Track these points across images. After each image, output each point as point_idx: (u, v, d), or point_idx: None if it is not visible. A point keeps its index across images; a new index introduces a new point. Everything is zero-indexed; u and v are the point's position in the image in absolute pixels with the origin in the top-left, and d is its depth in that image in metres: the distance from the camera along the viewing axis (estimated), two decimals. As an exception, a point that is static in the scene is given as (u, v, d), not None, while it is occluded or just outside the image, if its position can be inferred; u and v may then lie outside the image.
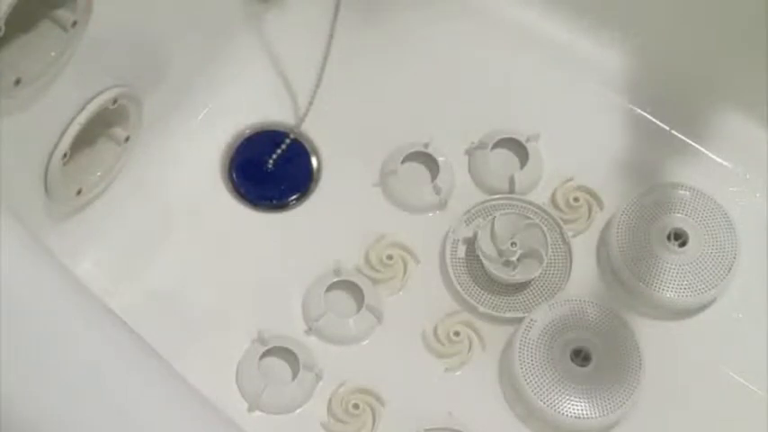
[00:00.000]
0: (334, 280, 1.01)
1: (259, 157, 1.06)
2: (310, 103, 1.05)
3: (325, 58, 1.05)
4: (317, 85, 1.06)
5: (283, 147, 1.06)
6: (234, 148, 1.07)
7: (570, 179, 1.06)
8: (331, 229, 1.05)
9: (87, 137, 0.92)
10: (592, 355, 0.98)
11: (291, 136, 1.06)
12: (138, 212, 1.01)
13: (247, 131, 1.07)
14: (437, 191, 1.05)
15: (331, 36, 1.02)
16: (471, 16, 1.12)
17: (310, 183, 1.06)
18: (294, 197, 1.06)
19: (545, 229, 1.01)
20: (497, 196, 1.05)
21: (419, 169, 1.07)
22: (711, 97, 1.08)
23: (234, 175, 1.06)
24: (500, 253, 1.01)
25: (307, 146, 1.07)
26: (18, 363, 0.66)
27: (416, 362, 1.00)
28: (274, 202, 1.05)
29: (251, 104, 1.08)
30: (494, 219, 1.02)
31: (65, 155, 0.89)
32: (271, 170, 1.06)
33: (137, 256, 1.01)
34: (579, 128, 1.10)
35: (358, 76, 1.10)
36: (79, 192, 0.94)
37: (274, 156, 1.05)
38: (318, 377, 0.97)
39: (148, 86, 0.96)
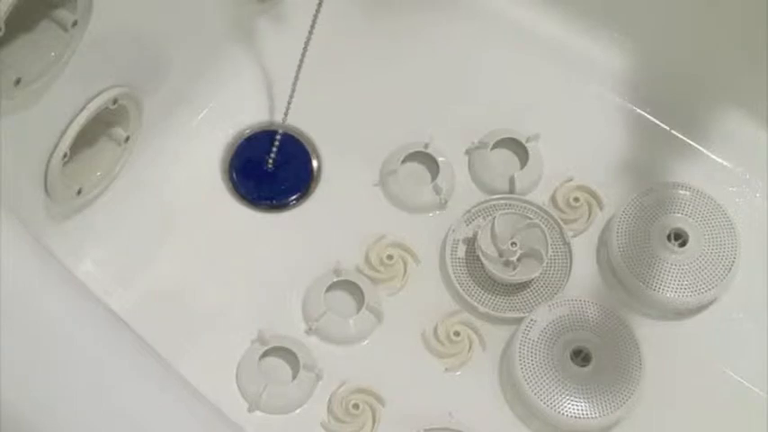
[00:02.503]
0: (335, 280, 1.01)
1: (259, 157, 1.06)
2: (290, 97, 1.03)
3: (313, 56, 1.05)
4: (303, 81, 1.05)
5: (276, 143, 1.05)
6: (234, 147, 1.07)
7: (570, 179, 1.06)
8: (331, 229, 1.05)
9: (87, 137, 0.92)
10: (592, 356, 0.98)
11: (280, 131, 1.05)
12: (138, 212, 1.01)
13: (247, 131, 1.08)
14: (437, 191, 1.05)
15: (311, 31, 1.01)
16: (471, 17, 1.12)
17: (310, 183, 1.06)
18: (294, 197, 1.06)
19: (545, 229, 1.01)
20: (497, 196, 1.05)
21: (419, 169, 1.07)
22: (711, 97, 1.08)
23: (234, 176, 1.06)
24: (500, 253, 1.01)
25: (307, 146, 1.07)
26: (18, 363, 0.66)
27: (416, 362, 1.00)
28: (274, 202, 1.05)
29: (251, 104, 1.08)
30: (494, 219, 1.02)
31: (65, 155, 0.89)
32: (271, 170, 1.06)
33: (137, 256, 1.01)
34: (579, 128, 1.10)
35: (358, 76, 1.10)
36: (79, 192, 0.94)
37: (272, 155, 1.05)
38: (318, 377, 0.97)
39: (148, 86, 0.97)
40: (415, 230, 1.05)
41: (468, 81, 1.11)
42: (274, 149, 1.05)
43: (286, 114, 1.04)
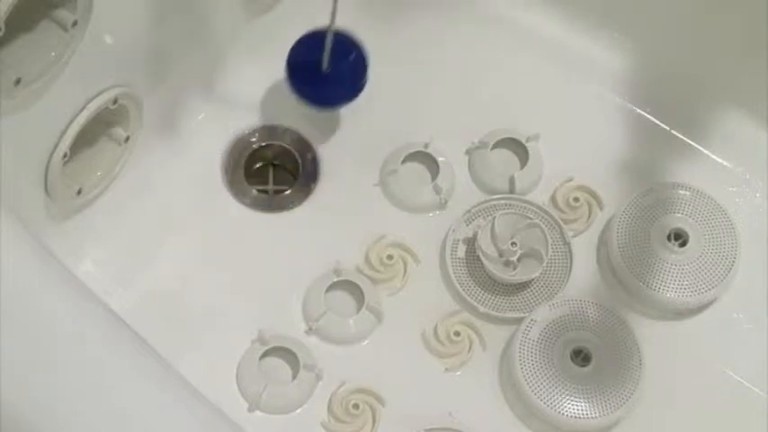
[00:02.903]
0: (335, 280, 1.01)
1: (311, 61, 1.01)
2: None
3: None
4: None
5: (328, 43, 0.99)
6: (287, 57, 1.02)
7: (570, 179, 1.06)
8: (331, 229, 1.05)
9: (87, 137, 0.92)
10: (592, 356, 0.98)
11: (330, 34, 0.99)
12: (138, 212, 1.01)
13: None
14: (437, 191, 1.05)
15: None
16: (472, 17, 1.12)
17: (364, 81, 1.02)
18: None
19: (545, 229, 1.01)
20: (497, 196, 1.05)
21: (419, 169, 1.07)
22: (711, 97, 1.08)
23: (293, 78, 1.02)
24: (500, 253, 1.01)
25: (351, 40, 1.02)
26: (18, 363, 0.66)
27: (416, 362, 1.00)
28: (347, 91, 1.02)
29: (251, 104, 1.08)
30: (494, 219, 1.02)
31: (65, 155, 0.89)
32: (326, 72, 1.01)
33: (137, 256, 1.01)
34: (579, 128, 1.10)
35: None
36: (79, 192, 0.94)
37: (325, 54, 1.00)
38: (318, 377, 0.97)
39: (148, 86, 0.97)
40: (415, 230, 1.05)
41: (468, 81, 1.11)
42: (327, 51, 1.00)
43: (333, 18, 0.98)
